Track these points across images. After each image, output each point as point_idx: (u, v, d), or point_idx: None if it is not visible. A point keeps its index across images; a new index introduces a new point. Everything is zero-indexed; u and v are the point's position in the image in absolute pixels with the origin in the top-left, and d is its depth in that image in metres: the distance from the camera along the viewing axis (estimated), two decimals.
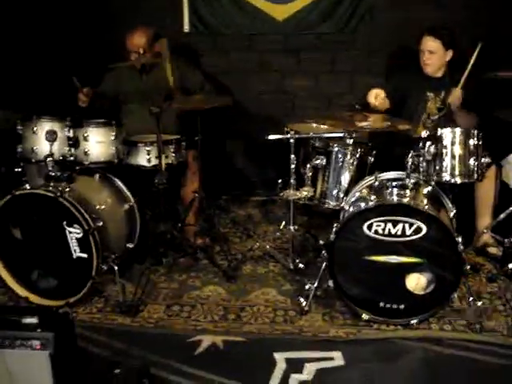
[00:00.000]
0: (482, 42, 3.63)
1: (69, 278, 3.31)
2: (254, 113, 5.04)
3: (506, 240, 3.55)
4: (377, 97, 3.72)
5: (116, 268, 3.31)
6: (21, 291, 3.38)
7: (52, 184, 3.33)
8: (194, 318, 3.23)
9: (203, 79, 4.32)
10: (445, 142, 3.24)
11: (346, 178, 3.59)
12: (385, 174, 3.39)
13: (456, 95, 3.69)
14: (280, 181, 3.77)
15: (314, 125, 3.73)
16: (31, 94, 4.53)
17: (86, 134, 3.44)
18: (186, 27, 4.98)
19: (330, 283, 3.15)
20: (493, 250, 3.82)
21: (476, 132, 3.27)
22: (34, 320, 2.35)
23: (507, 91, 3.67)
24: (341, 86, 4.97)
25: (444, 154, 3.24)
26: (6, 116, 3.83)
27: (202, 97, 3.72)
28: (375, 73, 4.83)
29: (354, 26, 4.84)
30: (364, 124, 3.27)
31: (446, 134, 3.25)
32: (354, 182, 3.56)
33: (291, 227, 3.67)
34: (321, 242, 3.82)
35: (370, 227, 3.02)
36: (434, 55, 3.90)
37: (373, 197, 3.16)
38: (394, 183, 3.17)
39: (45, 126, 3.43)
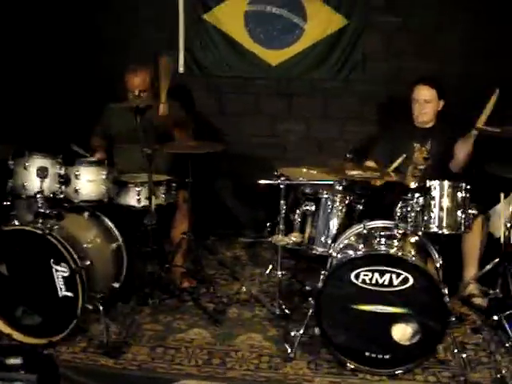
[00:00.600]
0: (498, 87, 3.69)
1: (53, 316, 3.27)
2: (245, 155, 5.09)
3: (491, 291, 3.56)
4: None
5: (101, 308, 3.28)
6: (4, 328, 3.32)
7: (41, 221, 3.30)
8: (178, 362, 3.19)
9: (183, 112, 4.35)
10: (433, 194, 3.28)
11: (334, 225, 3.61)
12: (373, 222, 3.42)
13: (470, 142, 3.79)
14: (268, 224, 3.80)
15: (305, 170, 3.76)
16: (25, 128, 4.56)
17: (77, 173, 3.45)
18: (181, 68, 5.05)
19: (316, 331, 3.14)
20: (478, 300, 3.82)
21: (464, 185, 3.32)
22: (18, 361, 2.33)
23: (494, 146, 3.75)
24: (332, 131, 5.04)
25: (432, 206, 3.28)
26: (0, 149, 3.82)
27: (195, 142, 3.75)
28: (366, 120, 4.92)
29: (346, 74, 4.94)
30: (354, 173, 3.30)
31: (435, 186, 3.30)
32: (342, 228, 3.58)
33: (278, 272, 3.67)
34: (307, 288, 3.85)
35: (357, 276, 3.02)
36: (429, 104, 3.99)
37: (361, 245, 3.18)
38: (382, 233, 3.18)
39: (36, 163, 3.43)
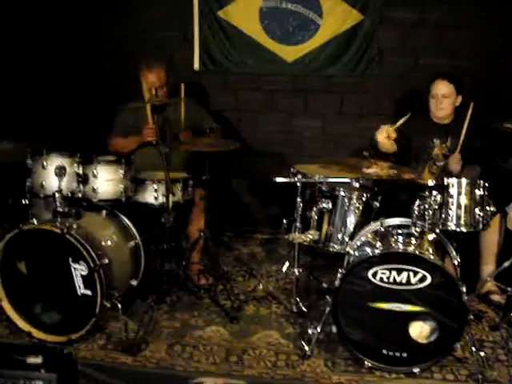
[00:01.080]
0: (472, 101, 3.68)
1: (72, 314, 3.30)
2: (261, 151, 5.10)
3: (509, 288, 3.53)
4: (388, 135, 3.70)
5: (119, 306, 3.31)
6: (23, 325, 3.37)
7: (59, 220, 3.33)
8: (196, 359, 3.22)
9: (213, 122, 4.37)
10: (451, 192, 3.27)
11: (351, 222, 3.61)
12: (390, 219, 3.41)
13: (455, 161, 3.76)
14: (285, 221, 3.78)
15: (321, 168, 3.75)
16: (44, 127, 4.59)
17: (95, 171, 3.47)
18: (196, 65, 5.06)
19: (334, 329, 3.14)
20: (496, 297, 3.82)
21: (482, 182, 3.30)
22: (38, 360, 2.36)
23: (509, 141, 3.72)
24: (348, 128, 5.03)
25: (450, 204, 3.27)
26: (18, 148, 3.84)
27: (211, 140, 3.75)
28: (383, 116, 4.88)
29: (362, 70, 4.92)
30: (370, 171, 3.29)
31: (453, 183, 3.28)
32: (359, 226, 3.57)
33: (295, 270, 3.67)
34: (324, 285, 3.85)
35: (374, 275, 3.02)
36: (447, 99, 3.95)
37: (378, 243, 3.18)
38: (400, 231, 3.18)
39: (54, 162, 3.44)
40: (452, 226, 3.27)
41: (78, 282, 3.24)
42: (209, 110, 4.55)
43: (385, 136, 3.68)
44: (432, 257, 3.04)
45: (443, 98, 3.95)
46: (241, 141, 4.30)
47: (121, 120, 4.20)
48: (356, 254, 3.33)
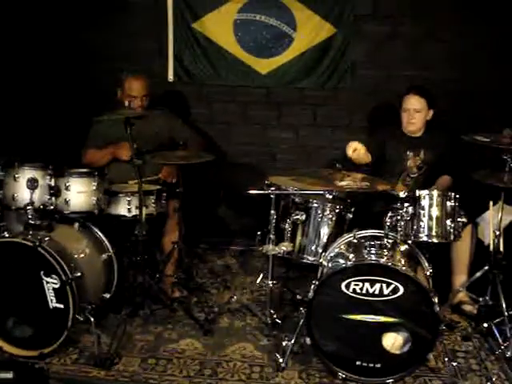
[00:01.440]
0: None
1: (44, 328, 3.26)
2: (235, 163, 5.11)
3: (480, 299, 3.58)
4: (355, 150, 3.70)
5: (92, 319, 3.28)
6: None
7: (31, 232, 3.31)
8: (170, 373, 3.19)
9: (190, 132, 4.39)
10: (423, 203, 3.32)
11: (324, 234, 3.63)
12: (363, 231, 3.44)
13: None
14: (259, 233, 3.79)
15: (294, 181, 3.76)
16: (15, 139, 4.55)
17: (67, 184, 3.44)
18: (171, 77, 5.06)
19: (308, 340, 3.15)
20: (468, 307, 3.85)
21: (453, 194, 3.35)
22: (8, 375, 2.33)
23: (481, 154, 3.78)
24: (321, 139, 5.06)
25: (422, 215, 3.32)
26: None
27: (184, 153, 3.75)
28: (355, 128, 4.94)
29: (335, 82, 4.96)
30: (343, 184, 3.31)
31: (424, 195, 3.33)
32: (332, 237, 3.59)
33: (269, 282, 3.67)
34: (298, 297, 3.86)
35: (347, 286, 3.04)
36: (418, 114, 4.00)
37: (351, 255, 3.19)
38: (372, 242, 3.20)
39: (26, 174, 3.40)
40: (424, 237, 3.32)
41: (50, 296, 3.20)
42: (184, 121, 4.54)
43: (353, 151, 3.70)
44: (404, 268, 3.07)
45: (415, 113, 4.00)
46: (215, 152, 4.30)
47: (94, 132, 4.17)
48: (329, 265, 3.35)
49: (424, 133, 4.10)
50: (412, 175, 4.06)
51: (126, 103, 3.68)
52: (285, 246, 3.58)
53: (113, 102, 4.08)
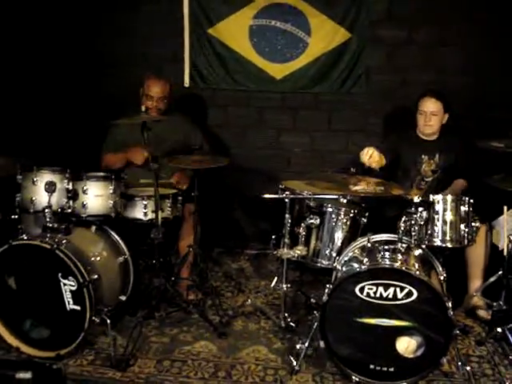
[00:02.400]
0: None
1: (61, 330, 3.31)
2: (250, 167, 5.13)
3: (495, 303, 3.57)
4: (370, 156, 3.73)
5: (108, 321, 3.32)
6: (12, 341, 3.36)
7: (49, 235, 3.35)
8: (185, 375, 3.22)
9: (202, 139, 4.45)
10: (437, 208, 3.33)
11: (339, 238, 3.65)
12: (377, 235, 3.46)
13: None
14: (274, 237, 3.82)
15: (309, 185, 3.78)
16: (34, 142, 4.61)
17: (85, 188, 3.48)
18: (187, 82, 5.11)
19: (321, 344, 3.16)
20: (482, 312, 3.85)
21: (467, 199, 3.36)
22: (27, 375, 2.36)
23: (495, 159, 3.78)
24: (336, 144, 5.08)
25: (436, 220, 3.33)
26: (8, 163, 3.86)
27: (200, 157, 3.79)
28: (370, 133, 4.96)
29: (349, 87, 4.98)
30: (358, 188, 3.33)
31: (438, 200, 3.34)
32: (346, 241, 3.62)
33: (283, 285, 3.69)
34: (312, 300, 3.87)
35: (361, 290, 3.05)
36: (435, 117, 4.02)
37: (365, 259, 3.20)
38: (386, 247, 3.21)
39: (45, 178, 3.46)
40: (438, 241, 3.33)
41: (67, 298, 3.24)
42: (203, 131, 4.60)
43: (368, 157, 3.72)
44: (418, 272, 3.08)
45: (431, 116, 4.01)
46: (230, 157, 4.34)
47: (111, 136, 4.24)
48: (343, 269, 3.37)
49: (439, 137, 4.11)
50: (426, 179, 4.08)
51: (143, 108, 3.71)
52: (299, 250, 3.59)
53: (129, 107, 4.11)
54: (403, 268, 3.07)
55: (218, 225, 5.02)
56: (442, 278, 3.32)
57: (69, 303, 3.25)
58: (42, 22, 5.02)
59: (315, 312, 3.30)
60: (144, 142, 3.52)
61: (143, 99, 4.17)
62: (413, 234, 3.33)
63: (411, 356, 3.08)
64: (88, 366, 3.28)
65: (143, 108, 3.68)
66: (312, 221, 3.63)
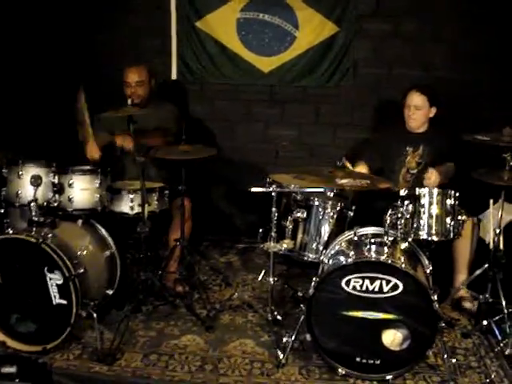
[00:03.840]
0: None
1: (47, 324, 3.30)
2: (238, 161, 5.15)
3: (481, 296, 3.59)
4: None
5: (95, 315, 3.32)
6: None
7: (34, 229, 3.34)
8: (172, 368, 3.22)
9: (176, 124, 4.30)
10: (422, 202, 3.36)
11: (325, 231, 3.66)
12: (364, 229, 3.46)
13: (432, 177, 3.79)
14: (261, 230, 3.82)
15: (296, 178, 3.78)
16: (19, 136, 4.58)
17: (70, 181, 3.48)
18: (174, 75, 5.09)
19: (308, 337, 3.18)
20: (468, 304, 3.87)
21: (453, 192, 3.38)
22: (12, 369, 2.36)
23: (482, 153, 3.80)
24: (324, 137, 5.09)
25: (421, 213, 3.36)
26: None
27: (186, 148, 3.77)
28: (357, 126, 4.97)
29: (337, 80, 4.99)
30: (344, 181, 3.33)
31: (424, 193, 3.36)
32: (333, 235, 3.62)
33: (270, 279, 3.70)
34: (299, 294, 3.88)
35: (348, 283, 3.06)
36: (419, 111, 4.03)
37: (351, 252, 3.22)
38: (373, 240, 3.23)
39: (30, 171, 3.46)
40: (423, 235, 3.35)
41: (54, 292, 3.23)
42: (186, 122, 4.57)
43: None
44: (404, 265, 3.09)
45: (415, 109, 4.03)
46: (218, 150, 4.33)
47: (97, 126, 4.21)
48: (330, 262, 3.37)
49: (427, 129, 4.13)
50: (411, 171, 4.09)
51: (129, 101, 3.69)
52: (286, 244, 3.60)
53: (115, 100, 4.09)
54: (389, 261, 3.08)
55: (206, 218, 5.01)
56: (428, 271, 3.34)
57: (55, 297, 3.24)
58: (27, 14, 4.98)
59: (301, 305, 3.31)
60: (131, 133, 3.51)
61: (124, 89, 4.18)
62: (399, 227, 3.35)
63: (397, 349, 3.09)
64: (75, 360, 3.27)
65: (129, 101, 3.66)
66: (299, 214, 3.64)
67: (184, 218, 3.97)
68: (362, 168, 4.05)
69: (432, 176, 3.76)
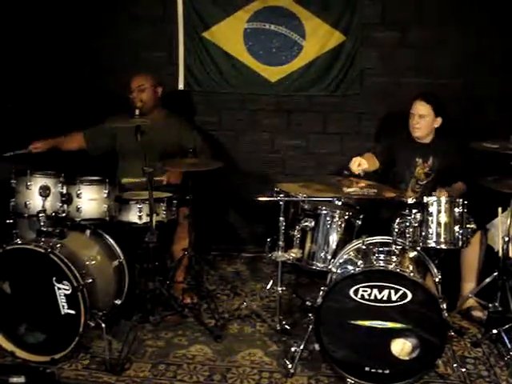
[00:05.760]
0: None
1: (56, 334, 3.30)
2: (244, 170, 5.15)
3: (490, 305, 3.58)
4: (359, 165, 3.72)
5: (103, 325, 3.32)
6: (7, 345, 3.35)
7: (43, 239, 3.35)
8: (180, 378, 3.22)
9: (197, 140, 4.40)
10: (431, 210, 3.35)
11: (333, 240, 3.66)
12: (372, 238, 3.46)
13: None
14: (269, 240, 3.82)
15: (303, 187, 3.78)
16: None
17: (79, 191, 3.48)
18: (181, 85, 5.11)
19: (316, 346, 3.16)
20: (477, 313, 3.86)
21: (461, 201, 3.37)
22: (20, 379, 2.36)
23: (489, 160, 3.79)
24: (331, 147, 5.08)
25: (430, 221, 3.35)
26: (2, 167, 3.85)
27: (193, 160, 3.78)
28: (365, 135, 4.97)
29: (344, 90, 4.98)
30: (351, 190, 3.33)
31: (432, 201, 3.35)
32: (341, 244, 3.62)
33: (279, 288, 3.69)
34: (308, 303, 3.87)
35: (356, 292, 3.05)
36: (423, 120, 4.02)
37: (360, 261, 3.21)
38: (381, 249, 3.22)
39: (38, 182, 3.46)
40: (432, 243, 3.34)
41: (62, 302, 3.24)
42: (198, 131, 4.60)
43: (357, 166, 3.71)
44: (412, 274, 3.08)
45: (419, 118, 4.02)
46: (225, 160, 4.34)
47: (100, 127, 4.32)
48: (338, 271, 3.37)
49: (433, 140, 4.11)
50: (420, 182, 4.08)
51: (137, 111, 3.70)
52: (294, 253, 3.60)
53: (123, 111, 4.11)
54: (397, 270, 3.07)
55: (213, 228, 5.02)
56: (436, 279, 3.33)
57: (63, 307, 3.25)
58: (39, 22, 5.01)
59: (310, 315, 3.30)
60: (135, 144, 3.53)
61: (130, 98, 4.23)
62: (407, 235, 3.34)
63: (406, 358, 3.08)
64: (83, 370, 3.27)
65: (137, 112, 3.68)
66: (307, 223, 3.63)
67: (191, 228, 3.97)
68: (369, 157, 3.95)
69: (442, 196, 3.73)
